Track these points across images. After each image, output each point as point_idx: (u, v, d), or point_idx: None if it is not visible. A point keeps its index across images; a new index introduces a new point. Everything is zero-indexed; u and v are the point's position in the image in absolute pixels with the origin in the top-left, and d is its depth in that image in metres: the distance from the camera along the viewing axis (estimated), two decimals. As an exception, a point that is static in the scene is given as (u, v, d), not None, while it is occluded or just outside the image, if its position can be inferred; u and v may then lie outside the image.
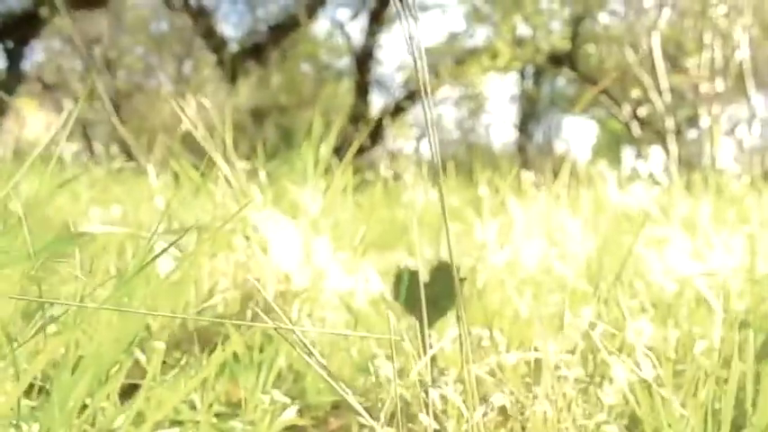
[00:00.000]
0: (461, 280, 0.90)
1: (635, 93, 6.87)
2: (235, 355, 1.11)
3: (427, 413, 0.76)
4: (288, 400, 1.10)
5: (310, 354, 0.75)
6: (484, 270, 1.24)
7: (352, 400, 0.69)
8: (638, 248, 1.12)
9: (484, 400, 0.82)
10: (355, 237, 1.57)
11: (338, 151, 2.08)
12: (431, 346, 0.86)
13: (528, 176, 2.53)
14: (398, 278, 0.90)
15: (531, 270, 1.41)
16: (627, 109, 6.47)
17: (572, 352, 0.80)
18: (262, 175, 1.88)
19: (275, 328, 0.84)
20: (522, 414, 0.80)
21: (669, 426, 0.66)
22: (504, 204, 2.23)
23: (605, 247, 1.54)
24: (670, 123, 5.36)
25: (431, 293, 0.91)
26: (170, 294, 1.35)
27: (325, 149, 1.83)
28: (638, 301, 1.11)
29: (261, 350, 1.15)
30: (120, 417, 0.80)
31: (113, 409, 0.86)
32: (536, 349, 0.88)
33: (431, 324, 0.90)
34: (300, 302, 1.21)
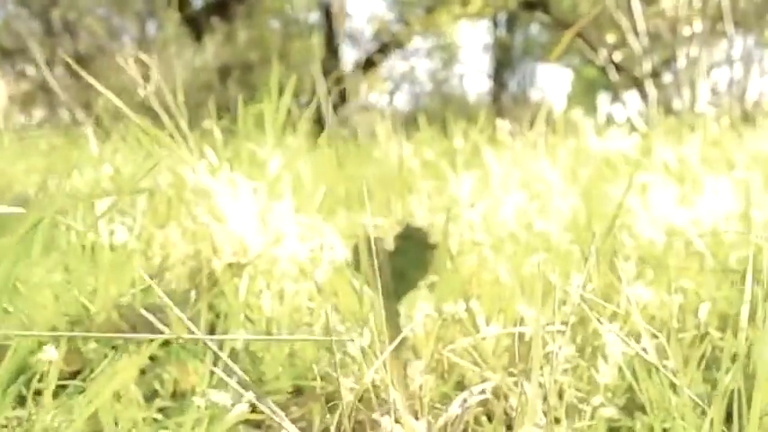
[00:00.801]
0: (432, 247, 0.78)
1: (611, 37, 6.72)
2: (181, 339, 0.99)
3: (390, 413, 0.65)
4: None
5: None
6: (458, 229, 1.12)
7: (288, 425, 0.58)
8: (625, 198, 1.00)
9: (461, 386, 0.71)
10: (320, 197, 1.44)
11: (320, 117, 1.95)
12: (397, 328, 0.74)
13: (503, 126, 2.41)
14: (357, 246, 0.77)
15: (510, 227, 1.29)
16: (603, 53, 6.31)
17: (564, 323, 0.68)
18: (217, 133, 1.74)
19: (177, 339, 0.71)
20: (506, 400, 0.69)
21: (681, 417, 0.56)
22: (480, 155, 2.11)
23: (589, 197, 1.42)
24: (647, 66, 5.22)
25: (398, 263, 0.79)
26: (115, 270, 1.22)
27: (285, 102, 1.69)
28: (630, 260, 1.00)
29: (211, 331, 1.03)
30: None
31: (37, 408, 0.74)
32: (521, 322, 0.77)
33: (399, 298, 0.78)
34: (254, 273, 1.08)
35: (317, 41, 10.84)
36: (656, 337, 0.69)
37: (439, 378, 0.76)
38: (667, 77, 6.84)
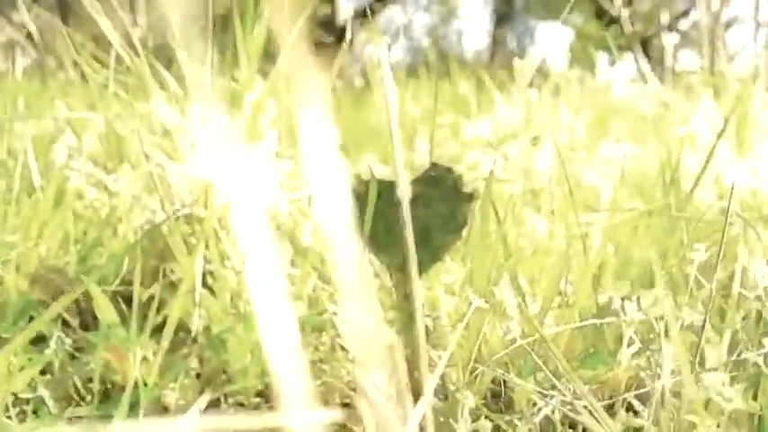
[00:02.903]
0: (468, 197, 0.52)
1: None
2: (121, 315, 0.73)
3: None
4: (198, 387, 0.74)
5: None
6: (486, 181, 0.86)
7: None
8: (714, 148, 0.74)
9: (511, 405, 0.46)
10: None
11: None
12: (412, 316, 0.49)
13: (519, 67, 2.14)
14: (359, 194, 0.52)
15: (545, 181, 1.04)
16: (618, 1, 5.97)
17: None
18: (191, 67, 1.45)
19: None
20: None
21: None
22: (493, 101, 1.83)
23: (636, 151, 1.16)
24: (665, 18, 4.91)
25: (418, 219, 0.53)
26: (57, 222, 0.96)
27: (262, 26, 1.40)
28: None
29: (159, 308, 0.78)
30: None
31: None
32: (596, 310, 0.51)
33: (419, 270, 0.53)
34: (217, 228, 0.82)
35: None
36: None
37: (477, 395, 0.51)
38: (673, 38, 6.53)
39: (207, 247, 0.86)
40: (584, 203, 0.82)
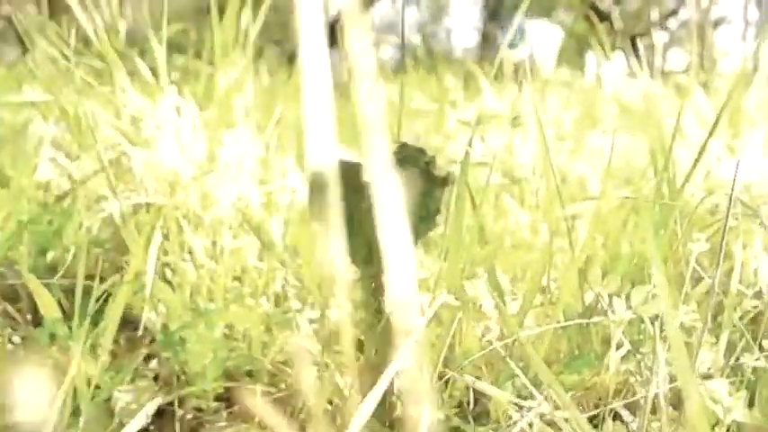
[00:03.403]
0: (442, 181, 0.47)
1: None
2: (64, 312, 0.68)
3: None
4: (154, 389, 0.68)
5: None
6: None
7: None
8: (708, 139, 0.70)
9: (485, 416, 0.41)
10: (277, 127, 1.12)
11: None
12: (378, 312, 0.43)
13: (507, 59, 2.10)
14: (318, 178, 0.46)
15: (526, 171, 0.98)
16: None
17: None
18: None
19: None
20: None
21: None
22: (480, 90, 1.78)
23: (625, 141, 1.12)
24: (654, 15, 4.88)
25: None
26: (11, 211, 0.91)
27: (246, 21, 1.34)
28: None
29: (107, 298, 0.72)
30: None
31: None
32: (583, 310, 0.46)
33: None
34: (180, 219, 0.76)
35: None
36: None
37: (450, 401, 0.46)
38: (662, 37, 6.51)
39: (167, 238, 0.80)
40: (569, 194, 0.77)
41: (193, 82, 1.40)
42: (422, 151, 0.47)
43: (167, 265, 0.75)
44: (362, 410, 0.29)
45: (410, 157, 0.47)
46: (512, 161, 0.85)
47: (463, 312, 0.46)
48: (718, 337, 0.51)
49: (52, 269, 0.88)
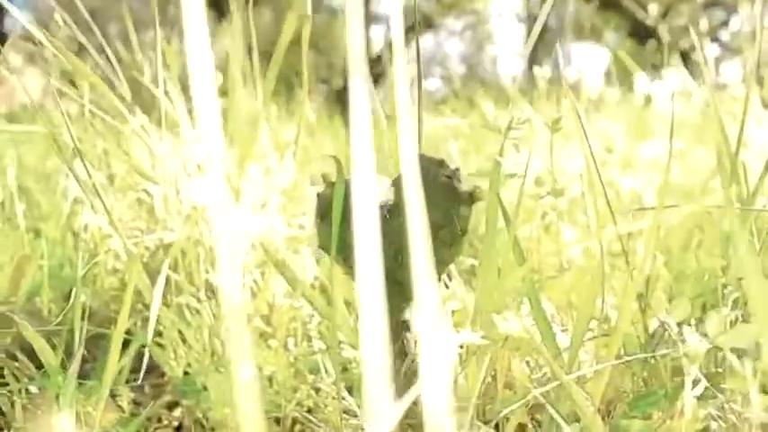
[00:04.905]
0: (467, 198, 0.41)
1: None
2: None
3: None
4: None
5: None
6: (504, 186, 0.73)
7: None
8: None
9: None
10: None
11: (342, 93, 1.60)
12: (402, 353, 0.37)
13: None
14: (322, 199, 0.40)
15: (574, 191, 0.90)
16: (654, 10, 5.78)
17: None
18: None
19: None
20: None
21: None
22: (522, 114, 1.70)
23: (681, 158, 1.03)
24: (704, 25, 4.73)
25: (399, 231, 0.41)
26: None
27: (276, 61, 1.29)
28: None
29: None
30: None
31: None
32: (650, 342, 0.39)
33: (403, 299, 0.41)
34: (201, 259, 0.71)
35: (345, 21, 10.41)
36: None
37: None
38: (713, 50, 6.31)
39: (191, 281, 0.75)
40: (622, 209, 0.69)
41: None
42: (442, 164, 0.41)
43: (187, 306, 0.70)
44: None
45: (429, 172, 0.40)
46: (553, 172, 0.77)
47: (495, 351, 0.39)
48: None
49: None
